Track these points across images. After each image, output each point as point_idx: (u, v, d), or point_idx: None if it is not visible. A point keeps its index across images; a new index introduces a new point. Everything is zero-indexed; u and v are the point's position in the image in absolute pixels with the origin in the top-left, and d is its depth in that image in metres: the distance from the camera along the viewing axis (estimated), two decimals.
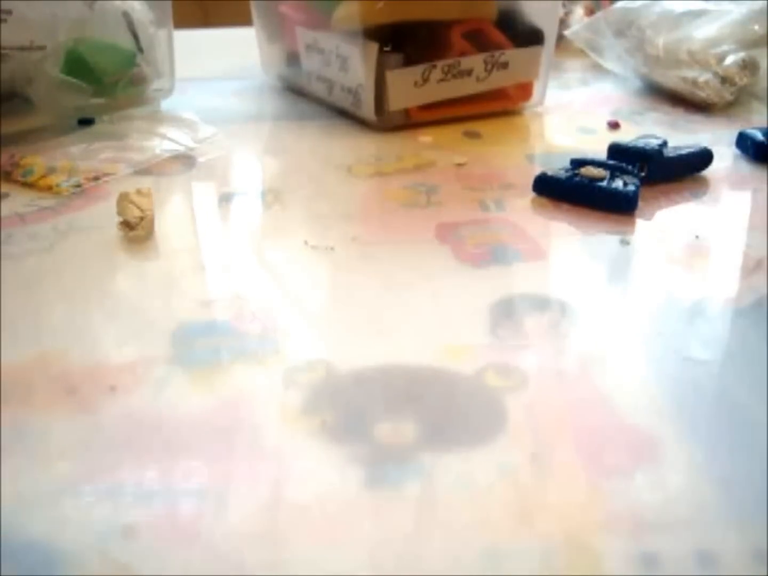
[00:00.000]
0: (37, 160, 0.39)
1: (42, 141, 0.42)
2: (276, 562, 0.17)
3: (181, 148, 0.42)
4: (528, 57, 0.48)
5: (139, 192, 0.34)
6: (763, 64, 0.51)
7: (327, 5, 0.46)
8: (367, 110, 0.45)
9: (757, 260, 0.30)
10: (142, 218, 0.32)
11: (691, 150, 0.39)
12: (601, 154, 0.39)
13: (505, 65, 0.47)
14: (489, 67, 0.46)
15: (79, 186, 0.37)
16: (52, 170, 0.38)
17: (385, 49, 0.43)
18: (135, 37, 0.45)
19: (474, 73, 0.46)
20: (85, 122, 0.45)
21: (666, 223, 0.34)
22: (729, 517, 0.18)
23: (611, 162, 0.37)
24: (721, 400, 0.23)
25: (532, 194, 0.36)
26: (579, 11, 0.66)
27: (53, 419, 0.22)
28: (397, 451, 0.21)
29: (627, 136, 0.42)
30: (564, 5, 0.64)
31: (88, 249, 0.32)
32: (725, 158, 0.41)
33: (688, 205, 0.36)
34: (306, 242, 0.32)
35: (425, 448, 0.21)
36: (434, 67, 0.45)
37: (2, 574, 0.17)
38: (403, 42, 0.44)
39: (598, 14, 0.57)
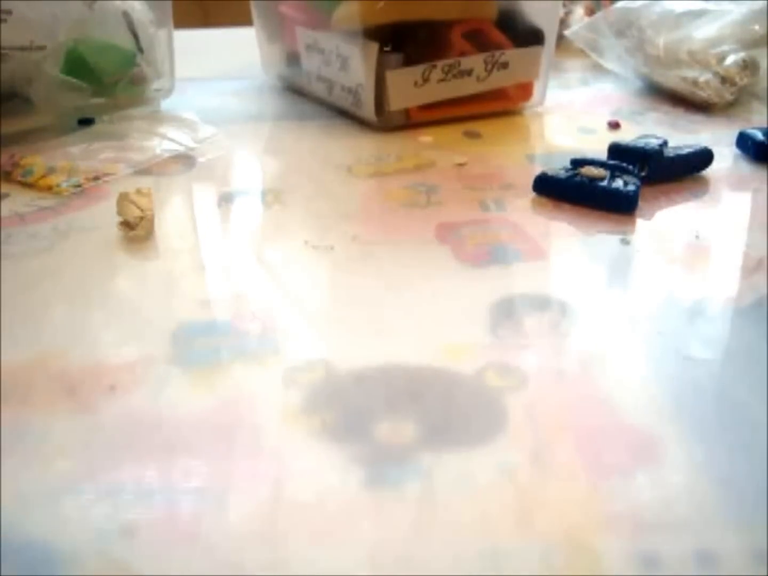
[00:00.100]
0: (37, 160, 0.39)
1: (42, 141, 0.42)
2: (276, 562, 0.17)
3: (181, 148, 0.42)
4: (528, 57, 0.48)
5: (139, 192, 0.34)
6: (763, 64, 0.51)
7: (327, 5, 0.46)
8: (367, 110, 0.45)
9: (758, 260, 0.30)
10: (142, 218, 0.32)
11: (692, 150, 0.39)
12: (602, 154, 0.39)
13: (505, 65, 0.47)
14: (489, 67, 0.46)
15: (79, 186, 0.37)
16: (52, 170, 0.38)
17: (385, 49, 0.43)
18: (135, 37, 0.45)
19: (474, 73, 0.46)
20: (85, 122, 0.45)
21: (666, 223, 0.34)
22: (729, 517, 0.18)
23: (611, 162, 0.37)
24: (721, 399, 0.23)
25: (532, 194, 0.36)
26: (579, 11, 0.66)
27: (53, 419, 0.22)
28: (397, 451, 0.20)
29: (627, 136, 0.42)
30: (564, 5, 0.64)
31: (88, 249, 0.32)
32: (725, 158, 0.41)
33: (688, 205, 0.36)
34: (306, 242, 0.32)
35: (425, 448, 0.21)
36: (434, 67, 0.45)
37: (2, 573, 0.17)
38: (403, 42, 0.44)
39: (599, 14, 0.57)
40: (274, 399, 0.23)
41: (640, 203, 0.35)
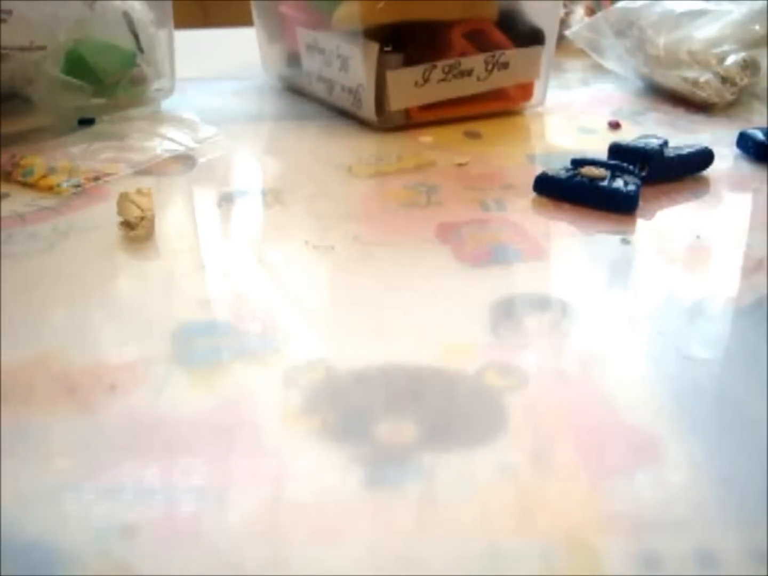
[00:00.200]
0: (37, 160, 0.39)
1: (42, 141, 0.42)
2: (276, 562, 0.17)
3: (182, 149, 0.42)
4: (528, 57, 0.48)
5: (139, 192, 0.34)
6: (763, 64, 0.51)
7: (327, 5, 0.46)
8: (368, 110, 0.45)
9: (758, 260, 0.30)
10: (142, 218, 0.32)
11: (692, 150, 0.39)
12: (602, 154, 0.39)
13: (505, 65, 0.47)
14: (489, 67, 0.46)
15: (79, 186, 0.37)
16: (52, 170, 0.38)
17: (386, 49, 0.43)
18: (135, 37, 0.45)
19: (474, 73, 0.46)
20: (85, 122, 0.45)
21: (667, 223, 0.34)
22: (729, 517, 0.18)
23: (612, 162, 0.37)
24: (721, 399, 0.23)
25: (532, 194, 0.36)
26: (580, 11, 0.66)
27: (53, 419, 0.22)
28: (397, 450, 0.20)
29: (628, 136, 0.42)
30: (565, 5, 0.64)
31: (88, 249, 0.32)
32: (726, 158, 0.41)
33: (688, 205, 0.36)
34: (306, 242, 0.32)
35: (425, 448, 0.21)
36: (435, 67, 0.45)
37: (2, 574, 0.17)
38: (403, 42, 0.44)
39: (599, 14, 0.57)
40: (275, 399, 0.23)
41: (641, 203, 0.35)
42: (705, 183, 0.38)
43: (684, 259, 0.31)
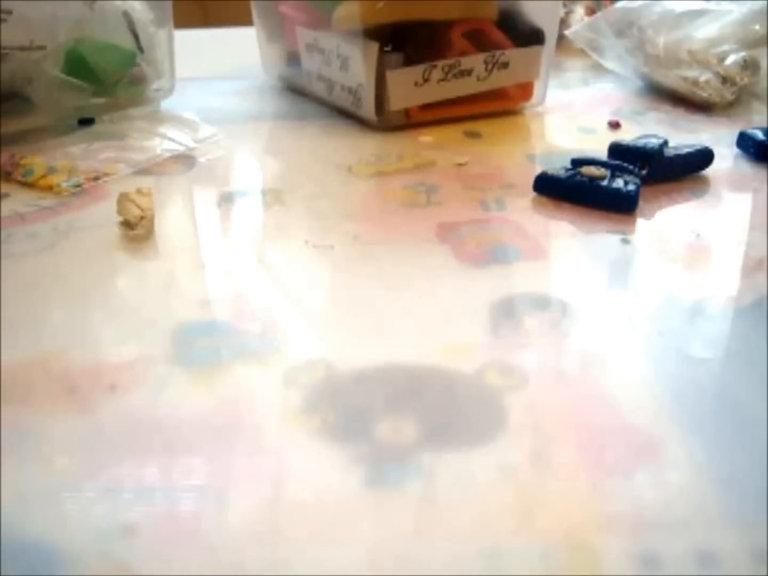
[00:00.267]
0: (37, 160, 0.39)
1: (42, 141, 0.42)
2: (276, 561, 0.17)
3: (182, 148, 0.42)
4: (528, 57, 0.48)
5: (139, 191, 0.34)
6: (763, 64, 0.51)
7: (327, 5, 0.46)
8: (368, 110, 0.45)
9: (758, 260, 0.30)
10: (142, 217, 0.32)
11: (692, 149, 0.39)
12: (602, 153, 0.39)
13: (505, 65, 0.47)
14: (489, 66, 0.46)
15: (79, 186, 0.37)
16: (52, 170, 0.38)
17: (386, 49, 0.43)
18: (135, 37, 0.45)
19: (474, 73, 0.46)
20: (85, 122, 0.45)
21: (667, 223, 0.34)
22: (729, 517, 0.18)
23: (612, 161, 0.37)
24: (721, 399, 0.23)
25: (532, 194, 0.36)
26: (579, 11, 0.66)
27: (53, 419, 0.22)
28: (398, 450, 0.20)
29: (628, 135, 0.42)
30: (565, 5, 0.64)
31: (88, 249, 0.32)
32: (726, 158, 0.41)
33: (688, 205, 0.36)
34: (306, 242, 0.32)
35: (425, 448, 0.20)
36: (434, 66, 0.45)
37: (2, 574, 0.17)
38: (403, 42, 0.44)
39: (599, 14, 0.57)
40: (275, 399, 0.23)
41: (641, 203, 0.35)
42: (705, 183, 0.38)
43: (684, 258, 0.31)
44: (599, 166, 0.36)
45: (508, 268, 0.30)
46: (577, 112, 0.50)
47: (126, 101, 0.46)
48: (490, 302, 0.27)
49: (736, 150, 0.42)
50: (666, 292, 0.28)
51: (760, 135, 0.41)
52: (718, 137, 0.44)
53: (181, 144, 0.43)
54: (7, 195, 0.36)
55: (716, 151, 0.39)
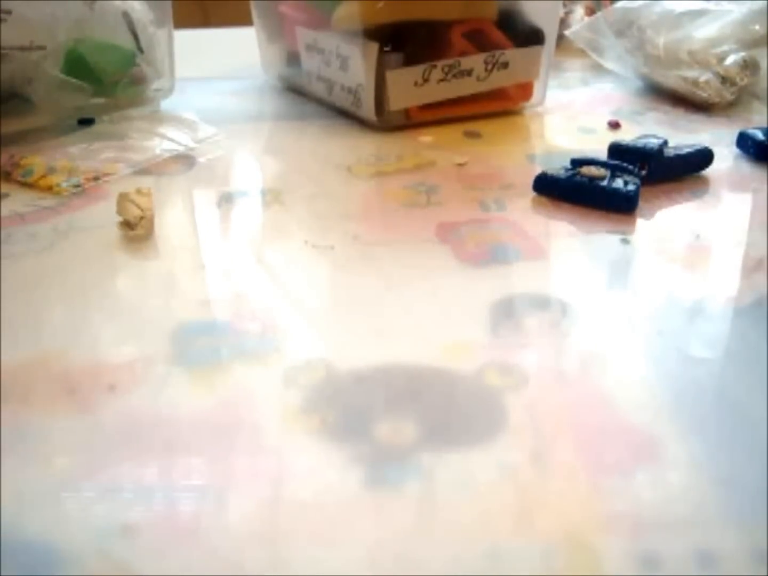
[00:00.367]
0: (37, 160, 0.39)
1: (42, 141, 0.42)
2: (276, 561, 0.17)
3: (181, 148, 0.42)
4: (528, 57, 0.48)
5: (139, 191, 0.34)
6: (763, 64, 0.51)
7: (327, 5, 0.46)
8: (367, 110, 0.45)
9: (758, 260, 0.30)
10: (142, 217, 0.32)
11: (692, 150, 0.39)
12: (602, 153, 0.39)
13: (505, 65, 0.47)
14: (489, 67, 0.46)
15: (79, 186, 0.37)
16: (52, 170, 0.38)
17: (385, 49, 0.43)
18: (135, 37, 0.45)
19: (474, 73, 0.46)
20: (85, 122, 0.45)
21: (666, 223, 0.34)
22: (729, 517, 0.18)
23: (612, 162, 0.37)
24: (721, 399, 0.23)
25: (532, 194, 0.36)
26: (579, 11, 0.66)
27: (53, 419, 0.22)
28: (397, 450, 0.20)
29: (627, 135, 0.42)
30: (564, 5, 0.64)
31: (88, 249, 0.32)
32: (726, 158, 0.41)
33: (688, 205, 0.36)
34: (306, 242, 0.32)
35: (425, 448, 0.20)
36: (434, 67, 0.45)
37: (2, 574, 0.17)
38: (403, 42, 0.44)
39: (599, 14, 0.57)
40: (274, 399, 0.23)
41: (640, 203, 0.35)
42: (705, 183, 0.38)
43: (684, 258, 0.31)
44: (599, 166, 0.36)
45: (507, 268, 0.30)
46: (577, 112, 0.50)
47: (126, 101, 0.46)
48: (490, 302, 0.27)
49: (735, 150, 0.42)
50: (666, 292, 0.28)
51: (759, 135, 0.41)
52: (718, 137, 0.44)
53: (180, 144, 0.43)
54: (7, 195, 0.36)
55: (716, 151, 0.39)
